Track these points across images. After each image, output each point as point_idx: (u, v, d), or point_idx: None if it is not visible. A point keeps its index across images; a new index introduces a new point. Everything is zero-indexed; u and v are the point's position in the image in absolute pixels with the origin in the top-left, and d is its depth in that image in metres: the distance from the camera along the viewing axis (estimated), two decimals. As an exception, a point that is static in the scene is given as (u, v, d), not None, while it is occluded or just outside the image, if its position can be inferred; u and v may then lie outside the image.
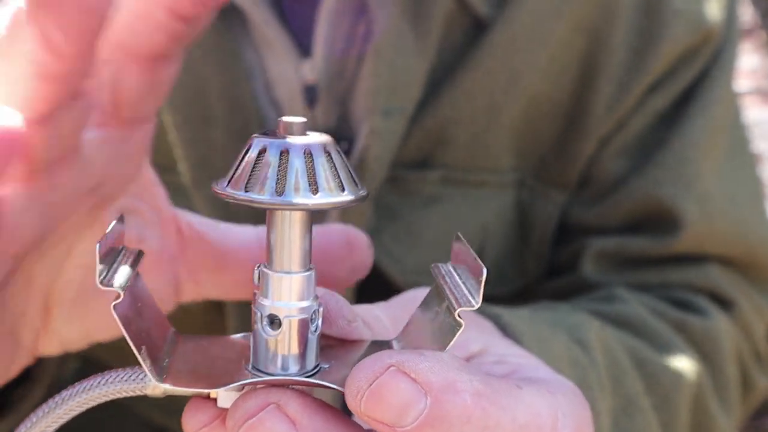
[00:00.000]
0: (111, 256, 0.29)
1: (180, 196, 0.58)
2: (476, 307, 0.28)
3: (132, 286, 0.29)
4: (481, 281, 0.28)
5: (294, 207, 0.27)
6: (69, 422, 0.73)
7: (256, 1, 0.55)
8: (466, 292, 0.29)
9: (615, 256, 0.59)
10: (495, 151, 0.58)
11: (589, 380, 0.46)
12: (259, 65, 0.57)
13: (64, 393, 0.31)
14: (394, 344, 0.32)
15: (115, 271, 0.29)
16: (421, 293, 0.37)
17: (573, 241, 0.61)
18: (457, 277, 0.30)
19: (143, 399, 0.76)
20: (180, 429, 0.79)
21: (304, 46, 0.56)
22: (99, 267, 0.27)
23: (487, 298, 0.65)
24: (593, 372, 0.47)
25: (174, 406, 0.73)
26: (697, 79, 0.59)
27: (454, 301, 0.28)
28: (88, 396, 0.31)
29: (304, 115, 0.57)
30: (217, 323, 0.61)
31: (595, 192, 0.60)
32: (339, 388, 0.28)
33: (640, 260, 0.59)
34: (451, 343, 0.28)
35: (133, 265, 0.30)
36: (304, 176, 0.27)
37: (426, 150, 0.58)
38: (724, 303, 0.59)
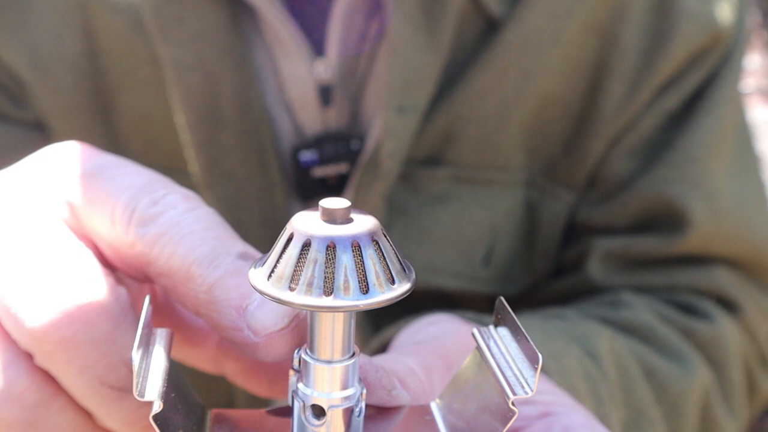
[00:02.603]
0: (143, 353, 0.27)
1: None
2: (531, 395, 0.27)
3: (168, 381, 0.27)
4: (536, 369, 0.27)
5: (345, 309, 0.25)
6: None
7: (270, 0, 0.55)
8: (519, 376, 0.27)
9: (621, 257, 0.59)
10: (505, 149, 0.58)
11: (601, 393, 0.47)
12: (271, 65, 0.57)
13: None
14: (435, 408, 0.31)
15: (149, 371, 0.27)
16: (443, 328, 0.37)
17: (580, 240, 0.61)
18: (504, 353, 0.29)
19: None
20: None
21: (316, 45, 0.56)
22: (135, 375, 0.26)
23: (495, 298, 0.65)
24: (605, 385, 0.47)
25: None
26: (706, 80, 0.59)
27: (507, 388, 0.27)
28: None
29: (318, 115, 0.57)
30: None
31: (604, 191, 0.60)
32: None
33: (647, 261, 0.59)
34: (504, 430, 0.27)
35: (167, 355, 0.28)
36: (354, 274, 0.25)
37: (437, 148, 0.58)
38: (729, 306, 0.59)
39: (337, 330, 0.27)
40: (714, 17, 0.58)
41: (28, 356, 0.31)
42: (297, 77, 0.57)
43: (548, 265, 0.62)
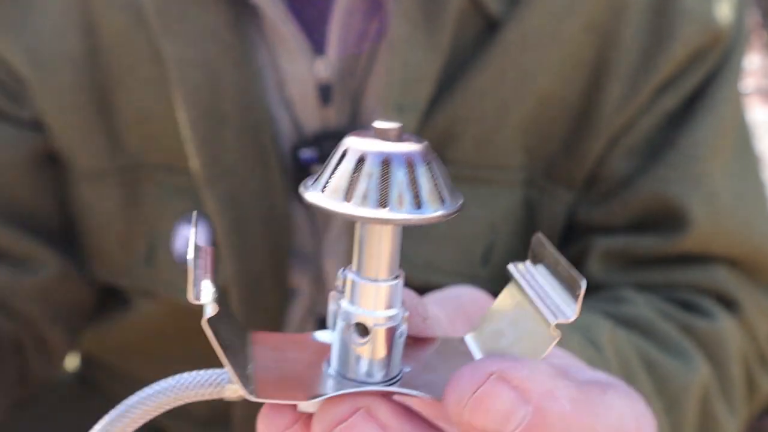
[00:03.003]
0: (196, 263, 0.28)
1: (184, 198, 0.58)
2: (572, 320, 0.27)
3: (217, 293, 0.29)
4: (578, 295, 0.27)
5: (400, 221, 0.26)
6: (66, 421, 0.73)
7: None
8: (560, 303, 0.28)
9: (621, 256, 0.59)
10: (504, 149, 0.58)
11: None
12: (272, 63, 0.57)
13: (136, 397, 0.30)
14: (469, 341, 0.32)
15: (201, 280, 0.28)
16: (466, 293, 0.37)
17: (579, 240, 0.61)
18: (543, 283, 0.29)
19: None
20: (178, 429, 0.79)
21: (316, 44, 0.57)
22: (189, 281, 0.27)
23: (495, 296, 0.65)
24: (607, 373, 0.47)
25: (176, 408, 0.73)
26: (706, 79, 0.59)
27: (547, 313, 0.28)
28: (161, 400, 0.30)
29: (317, 114, 0.57)
30: None
31: (603, 191, 0.60)
32: (435, 398, 0.28)
33: (647, 260, 0.59)
34: (546, 353, 0.28)
35: (213, 267, 0.29)
36: (408, 189, 0.26)
37: (435, 147, 0.57)
38: (729, 305, 0.59)
39: (385, 248, 0.28)
40: (714, 17, 0.58)
41: None
42: (297, 76, 0.57)
43: None
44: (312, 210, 0.59)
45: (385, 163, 0.26)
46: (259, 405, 0.69)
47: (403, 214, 0.26)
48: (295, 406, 0.29)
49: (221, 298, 0.29)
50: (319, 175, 0.27)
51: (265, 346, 0.31)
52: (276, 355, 0.31)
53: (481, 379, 0.27)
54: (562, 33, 0.56)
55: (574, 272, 0.28)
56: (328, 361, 0.30)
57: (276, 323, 0.60)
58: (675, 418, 0.52)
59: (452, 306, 0.36)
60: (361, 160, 0.26)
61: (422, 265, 0.58)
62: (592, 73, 0.58)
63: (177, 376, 0.30)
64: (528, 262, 0.31)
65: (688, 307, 0.57)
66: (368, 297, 0.28)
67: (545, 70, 0.57)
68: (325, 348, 0.30)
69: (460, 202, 0.28)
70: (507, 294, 0.31)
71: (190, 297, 0.27)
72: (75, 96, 0.58)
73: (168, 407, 0.30)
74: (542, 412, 0.27)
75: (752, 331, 0.59)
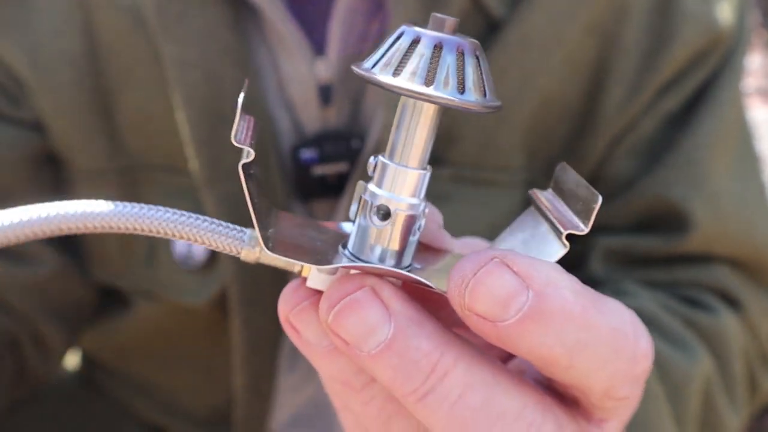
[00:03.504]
0: (243, 117, 0.30)
1: (184, 199, 0.58)
2: (586, 231, 0.28)
3: (250, 152, 0.29)
4: (594, 208, 0.28)
5: (440, 101, 0.27)
6: (66, 421, 0.72)
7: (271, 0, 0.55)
8: (573, 217, 0.29)
9: (623, 255, 0.59)
10: (505, 150, 0.58)
11: None
12: (272, 64, 0.57)
13: (166, 213, 0.30)
14: None
15: (245, 132, 0.29)
16: (478, 240, 0.38)
17: (581, 240, 0.61)
18: (560, 203, 0.30)
19: (141, 398, 0.76)
20: (178, 429, 0.79)
21: (316, 45, 0.56)
22: (237, 122, 0.28)
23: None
24: None
25: (176, 407, 0.73)
26: (707, 81, 0.59)
27: (559, 225, 0.29)
28: (184, 227, 0.30)
29: (318, 115, 0.57)
30: (221, 323, 0.61)
31: (604, 192, 0.59)
32: (438, 288, 0.28)
33: (649, 259, 0.59)
34: (555, 259, 0.29)
35: (255, 133, 0.30)
36: (455, 73, 0.27)
37: (436, 147, 0.58)
38: (731, 303, 0.59)
39: (420, 133, 0.29)
40: (715, 18, 0.58)
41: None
42: (297, 76, 0.57)
43: None
44: (312, 210, 0.59)
45: (438, 46, 0.27)
46: (261, 406, 0.69)
47: (446, 94, 0.27)
48: (310, 288, 0.30)
49: (255, 165, 0.30)
50: (372, 55, 0.29)
51: (290, 222, 0.32)
52: (298, 231, 0.32)
53: (484, 261, 0.27)
54: (563, 34, 0.56)
55: (592, 189, 0.28)
56: (345, 243, 0.31)
57: (277, 323, 0.60)
58: (677, 406, 0.52)
59: (467, 246, 0.36)
60: (415, 41, 0.28)
61: None
62: (593, 74, 0.58)
63: (206, 219, 0.30)
64: (549, 190, 0.31)
65: (690, 302, 0.57)
66: (395, 181, 0.29)
67: (546, 71, 0.57)
68: (346, 236, 0.31)
69: (498, 103, 0.29)
70: (523, 218, 0.31)
71: (232, 137, 0.28)
72: (74, 97, 0.58)
73: (179, 237, 0.30)
74: (543, 300, 0.27)
75: (755, 330, 0.59)
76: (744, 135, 0.62)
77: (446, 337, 0.28)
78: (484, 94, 0.28)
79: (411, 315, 0.28)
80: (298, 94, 0.57)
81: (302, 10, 0.57)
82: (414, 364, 0.28)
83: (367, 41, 0.56)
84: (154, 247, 0.61)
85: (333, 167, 0.57)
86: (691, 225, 0.57)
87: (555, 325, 0.27)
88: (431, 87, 0.27)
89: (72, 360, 0.76)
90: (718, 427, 0.56)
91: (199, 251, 0.59)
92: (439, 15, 0.28)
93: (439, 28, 0.28)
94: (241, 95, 0.29)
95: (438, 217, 0.33)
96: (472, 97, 0.27)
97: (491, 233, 0.59)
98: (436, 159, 0.58)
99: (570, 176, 0.30)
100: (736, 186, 0.59)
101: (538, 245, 0.30)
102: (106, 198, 0.61)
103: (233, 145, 0.58)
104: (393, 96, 0.56)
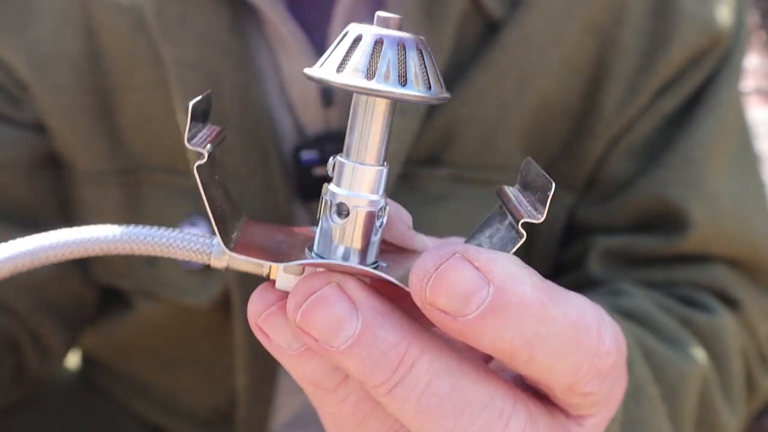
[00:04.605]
0: (199, 122, 0.30)
1: (186, 199, 0.58)
2: (541, 219, 0.28)
3: (213, 158, 0.30)
4: (548, 195, 0.28)
5: (381, 94, 0.28)
6: (67, 421, 0.72)
7: (272, 1, 0.55)
8: (530, 206, 0.29)
9: (621, 255, 0.59)
10: (504, 150, 0.58)
11: None
12: (273, 65, 0.57)
13: (134, 229, 0.31)
14: None
15: (201, 136, 0.29)
16: (460, 241, 0.37)
17: (580, 240, 0.61)
18: (522, 197, 0.30)
19: (142, 398, 0.76)
20: (178, 429, 0.78)
21: (317, 45, 0.57)
22: (189, 125, 0.28)
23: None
24: None
25: (176, 407, 0.73)
26: (705, 81, 0.59)
27: (517, 214, 0.29)
28: (149, 243, 0.31)
29: (320, 116, 0.57)
30: (223, 323, 0.61)
31: (603, 192, 0.60)
32: (399, 283, 0.29)
33: (647, 259, 0.59)
34: (512, 250, 0.29)
35: (217, 140, 0.30)
36: (395, 67, 0.28)
37: (436, 148, 0.58)
38: (729, 302, 0.59)
39: (374, 130, 0.30)
40: (713, 19, 0.58)
41: None
42: (299, 77, 0.57)
43: (547, 266, 0.62)
44: (313, 210, 0.59)
45: (379, 42, 0.28)
46: (262, 407, 0.69)
47: (387, 86, 0.28)
48: (278, 290, 0.30)
49: (219, 170, 0.31)
50: (323, 57, 0.29)
51: (256, 226, 0.33)
52: (266, 235, 0.32)
53: (445, 256, 0.27)
54: (562, 35, 0.57)
55: (549, 178, 0.29)
56: (311, 245, 0.31)
57: None
58: (673, 406, 0.52)
59: (445, 241, 0.37)
60: (358, 39, 0.29)
61: None
62: (591, 75, 0.58)
63: (167, 230, 0.31)
64: (516, 186, 0.32)
65: (687, 302, 0.57)
66: (353, 179, 0.30)
67: (545, 72, 0.57)
68: (312, 236, 0.32)
69: (447, 95, 0.29)
70: (492, 214, 0.32)
71: (185, 140, 0.28)
72: (76, 98, 0.58)
73: (148, 252, 0.31)
74: (503, 294, 0.27)
75: (752, 329, 0.59)
76: (743, 135, 0.62)
77: (412, 328, 0.29)
78: (429, 87, 0.28)
79: (377, 307, 0.28)
80: (299, 95, 0.57)
81: (302, 10, 0.57)
82: (383, 356, 0.28)
83: None
84: None
85: None
86: (688, 225, 0.57)
87: (514, 318, 0.27)
88: (372, 80, 0.28)
89: (72, 360, 0.76)
90: (715, 427, 0.56)
91: None
92: (383, 14, 0.29)
93: (384, 25, 0.29)
94: (193, 101, 0.29)
95: (406, 218, 0.33)
96: (413, 89, 0.28)
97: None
98: (436, 159, 0.58)
99: (532, 169, 0.31)
100: (735, 186, 0.60)
101: (501, 239, 0.30)
102: (108, 199, 0.61)
103: (235, 146, 0.58)
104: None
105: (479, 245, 0.31)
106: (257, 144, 0.56)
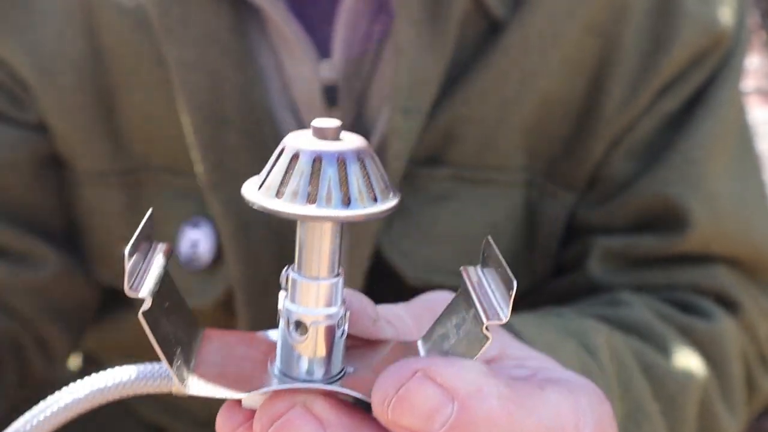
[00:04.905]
0: (140, 258, 0.29)
1: (188, 200, 0.58)
2: (505, 321, 0.27)
3: (161, 288, 0.29)
4: (510, 295, 0.27)
5: (325, 219, 0.27)
6: (71, 422, 0.72)
7: (275, 1, 0.55)
8: (495, 304, 0.28)
9: (621, 256, 0.59)
10: (505, 150, 0.59)
11: (599, 386, 0.47)
12: (276, 66, 0.57)
13: (84, 384, 0.30)
14: (420, 345, 0.32)
15: (144, 274, 0.28)
16: (440, 296, 0.37)
17: (580, 240, 0.61)
18: (486, 285, 0.30)
19: (145, 399, 0.76)
20: (179, 429, 0.79)
21: (320, 46, 0.57)
22: (128, 272, 0.27)
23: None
24: (602, 378, 0.47)
25: (176, 407, 0.73)
26: (707, 81, 0.59)
27: (482, 313, 0.28)
28: (109, 389, 0.30)
29: (323, 116, 0.57)
30: (226, 324, 0.61)
31: (603, 192, 0.60)
32: (365, 398, 0.28)
33: (647, 260, 0.59)
34: (478, 354, 0.28)
35: (163, 264, 0.29)
36: (337, 186, 0.27)
37: (437, 147, 0.58)
38: (729, 305, 0.59)
39: (324, 246, 0.29)
40: (715, 19, 0.58)
41: None
42: (302, 78, 0.57)
43: (548, 266, 0.62)
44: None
45: (317, 160, 0.27)
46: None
47: (330, 210, 0.27)
48: (246, 408, 0.29)
49: (169, 291, 0.30)
50: (260, 174, 0.28)
51: (215, 343, 0.32)
52: (225, 352, 0.31)
53: (406, 376, 0.27)
54: (563, 35, 0.57)
55: (510, 273, 0.28)
56: (273, 359, 0.30)
57: None
58: (673, 420, 0.52)
59: (419, 306, 0.36)
60: (294, 158, 0.27)
61: (423, 264, 0.58)
62: (593, 74, 0.58)
63: (126, 368, 0.30)
64: (479, 266, 0.31)
65: (687, 308, 0.57)
66: (307, 295, 0.29)
67: (547, 72, 0.57)
68: (273, 346, 0.31)
69: (395, 202, 0.28)
70: (458, 297, 0.31)
71: (126, 288, 0.27)
72: (77, 98, 0.58)
73: (114, 397, 0.31)
74: (468, 411, 0.27)
75: (752, 331, 0.60)
76: (743, 135, 0.62)
77: None
78: (375, 199, 0.27)
79: (347, 424, 0.28)
80: (302, 95, 0.57)
81: (304, 10, 0.57)
82: None
83: (371, 42, 0.56)
84: None
85: None
86: (688, 224, 0.57)
87: None
88: (314, 205, 0.27)
89: (73, 360, 0.76)
90: None
91: (204, 252, 0.59)
92: (319, 124, 0.27)
93: (321, 137, 0.27)
94: (131, 242, 0.28)
95: (371, 310, 0.31)
96: (358, 208, 0.27)
97: (491, 232, 0.59)
98: (437, 159, 0.59)
99: (493, 253, 0.30)
100: (735, 185, 0.60)
101: (467, 333, 0.29)
102: (109, 199, 0.61)
103: (237, 147, 0.58)
104: (398, 97, 0.56)
105: (446, 334, 0.30)
106: (260, 145, 0.56)
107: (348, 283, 0.57)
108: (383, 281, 0.58)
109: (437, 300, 0.36)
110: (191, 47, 0.55)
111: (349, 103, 0.57)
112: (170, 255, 0.30)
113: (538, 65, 0.57)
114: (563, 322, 0.50)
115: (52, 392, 0.74)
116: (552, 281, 0.62)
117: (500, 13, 0.56)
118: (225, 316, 0.60)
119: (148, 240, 0.30)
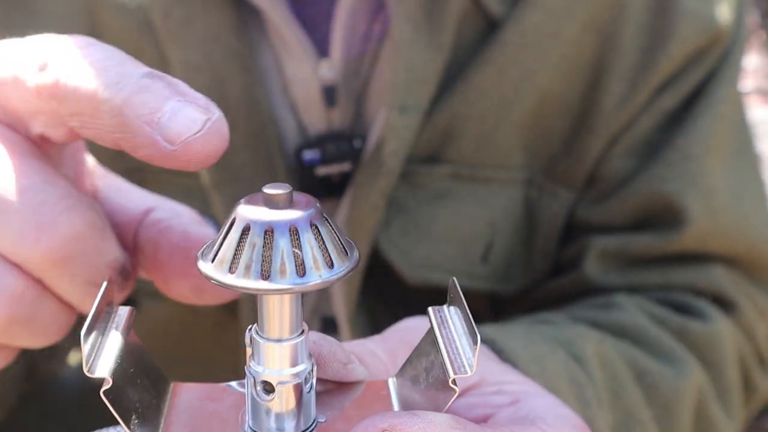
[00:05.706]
0: (98, 334, 0.28)
1: (194, 199, 0.58)
2: (470, 374, 0.27)
3: (123, 359, 0.28)
4: (475, 349, 0.27)
5: (280, 292, 0.26)
6: (68, 420, 0.72)
7: (274, 2, 0.55)
8: (462, 355, 0.28)
9: (618, 255, 0.59)
10: (504, 148, 0.59)
11: (587, 397, 0.47)
12: (276, 66, 0.57)
13: None
14: (391, 385, 0.32)
15: (103, 349, 0.28)
16: (414, 324, 0.37)
17: (578, 239, 0.61)
18: (453, 332, 0.29)
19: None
20: None
21: (318, 46, 0.57)
22: (85, 355, 0.27)
23: (493, 296, 0.65)
24: (591, 388, 0.47)
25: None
26: (705, 79, 0.59)
27: (449, 365, 0.28)
28: None
29: (323, 116, 0.58)
30: (228, 322, 0.61)
31: (602, 190, 0.60)
32: None
33: (644, 259, 0.59)
34: (446, 407, 0.28)
35: (125, 331, 0.29)
36: (291, 257, 0.26)
37: (436, 145, 0.58)
38: (726, 305, 0.59)
39: (284, 311, 0.28)
40: (713, 17, 0.58)
41: (17, 266, 0.33)
42: (301, 78, 0.57)
43: (547, 265, 0.62)
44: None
45: (269, 232, 0.26)
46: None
47: (284, 284, 0.26)
48: None
49: (134, 355, 0.29)
50: (212, 244, 0.28)
51: (183, 399, 0.31)
52: (194, 410, 0.31)
53: None
54: (561, 32, 0.57)
55: (473, 325, 0.28)
56: (243, 415, 0.30)
57: None
58: (668, 425, 0.52)
59: (393, 339, 0.36)
60: (246, 230, 0.27)
61: (421, 262, 0.58)
62: (591, 72, 0.58)
63: None
64: (445, 306, 0.31)
65: (683, 309, 0.57)
66: (272, 357, 0.29)
67: (545, 70, 0.57)
68: (243, 400, 0.31)
69: (352, 263, 0.28)
70: (427, 337, 0.31)
71: (85, 370, 0.27)
72: None
73: None
74: None
75: (750, 331, 0.60)
76: (741, 132, 0.62)
77: None
78: (330, 265, 0.27)
79: None
80: (302, 95, 0.57)
81: (304, 10, 0.57)
82: None
83: (370, 42, 0.56)
84: None
85: (336, 167, 0.57)
86: (686, 220, 0.57)
87: None
88: (268, 280, 0.26)
89: (74, 357, 0.76)
90: None
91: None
92: (268, 191, 0.27)
93: (271, 204, 0.27)
94: (83, 330, 0.27)
95: (341, 355, 0.31)
96: (314, 277, 0.26)
97: (490, 230, 0.60)
98: (435, 157, 0.59)
99: (458, 297, 0.30)
100: (733, 183, 0.60)
101: (436, 380, 0.29)
102: None
103: (240, 147, 0.59)
104: (395, 96, 0.56)
105: (416, 377, 0.30)
106: (263, 145, 0.57)
107: (346, 282, 0.57)
108: (381, 279, 0.58)
109: (411, 330, 0.36)
110: (195, 49, 0.55)
111: (347, 102, 0.57)
112: (132, 318, 0.30)
113: (537, 63, 0.57)
114: (553, 332, 0.50)
115: (54, 386, 0.75)
116: (551, 281, 0.62)
117: (498, 11, 0.56)
118: (227, 314, 0.60)
119: (109, 307, 0.30)
